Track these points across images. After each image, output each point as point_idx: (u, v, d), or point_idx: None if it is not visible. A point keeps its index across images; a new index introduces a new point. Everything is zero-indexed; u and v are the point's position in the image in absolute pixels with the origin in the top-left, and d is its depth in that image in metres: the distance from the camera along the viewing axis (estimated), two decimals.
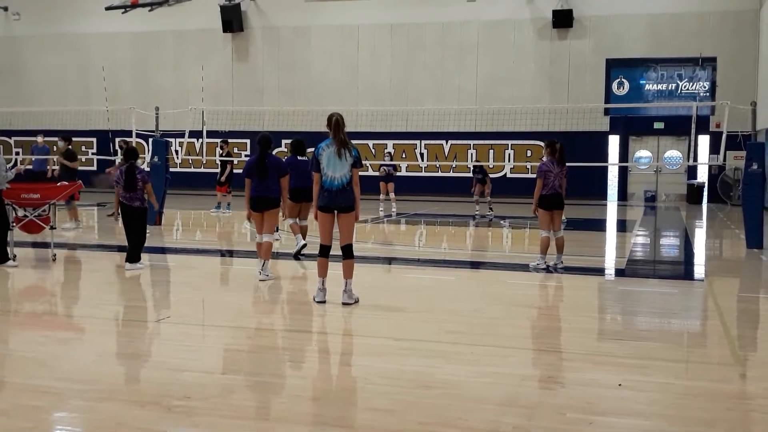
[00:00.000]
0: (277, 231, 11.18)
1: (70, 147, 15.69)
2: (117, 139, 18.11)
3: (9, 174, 10.65)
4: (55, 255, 10.83)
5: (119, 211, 10.32)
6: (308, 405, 4.94)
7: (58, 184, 11.71)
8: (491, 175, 20.90)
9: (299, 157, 11.20)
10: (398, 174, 21.17)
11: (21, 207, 10.64)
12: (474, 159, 25.56)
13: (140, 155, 12.07)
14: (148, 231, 10.57)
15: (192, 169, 28.05)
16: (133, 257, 10.04)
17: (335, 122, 7.72)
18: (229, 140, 21.07)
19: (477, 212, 19.61)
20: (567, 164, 10.59)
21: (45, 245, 11.53)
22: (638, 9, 25.31)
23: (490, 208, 19.98)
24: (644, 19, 25.35)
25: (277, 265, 10.22)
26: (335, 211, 7.82)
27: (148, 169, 15.09)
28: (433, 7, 26.74)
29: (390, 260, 12.06)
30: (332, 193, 7.75)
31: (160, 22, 28.52)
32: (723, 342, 6.70)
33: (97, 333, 6.86)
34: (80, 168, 15.88)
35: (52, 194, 10.91)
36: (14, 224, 10.59)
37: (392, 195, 19.68)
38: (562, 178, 10.44)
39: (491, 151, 24.82)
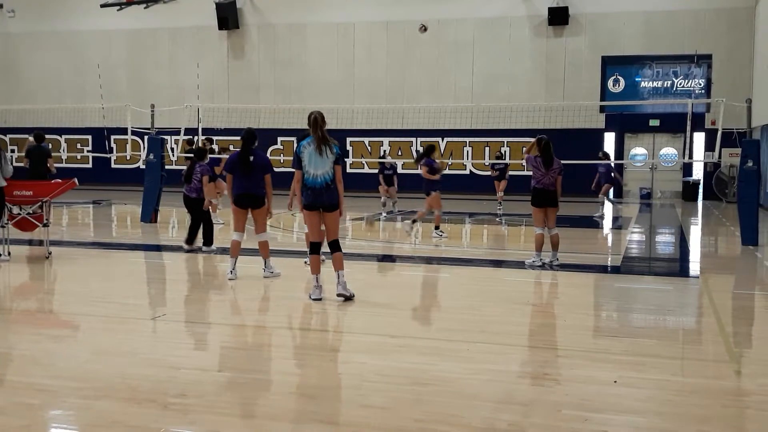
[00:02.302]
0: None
1: (36, 144, 15.23)
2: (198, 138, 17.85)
3: (10, 168, 10.60)
4: (50, 252, 10.82)
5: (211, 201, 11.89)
6: (303, 402, 4.93)
7: (52, 181, 11.66)
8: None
9: None
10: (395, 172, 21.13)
11: (14, 204, 10.62)
12: (470, 157, 25.56)
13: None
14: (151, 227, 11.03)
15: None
16: (189, 240, 11.57)
17: (313, 120, 7.79)
18: (218, 138, 21.08)
19: (499, 209, 19.52)
20: (562, 162, 10.58)
21: (40, 242, 11.50)
22: (634, 6, 25.32)
23: (500, 203, 19.94)
24: (640, 16, 25.36)
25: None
26: (320, 209, 7.85)
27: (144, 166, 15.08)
28: (428, 4, 26.72)
29: (385, 257, 12.05)
30: (316, 191, 7.78)
31: (156, 19, 28.45)
32: (718, 339, 6.71)
33: (92, 330, 6.84)
34: (76, 166, 15.79)
35: (45, 191, 10.88)
36: (8, 222, 10.57)
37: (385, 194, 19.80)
38: (556, 176, 10.42)
39: (487, 149, 24.79)
